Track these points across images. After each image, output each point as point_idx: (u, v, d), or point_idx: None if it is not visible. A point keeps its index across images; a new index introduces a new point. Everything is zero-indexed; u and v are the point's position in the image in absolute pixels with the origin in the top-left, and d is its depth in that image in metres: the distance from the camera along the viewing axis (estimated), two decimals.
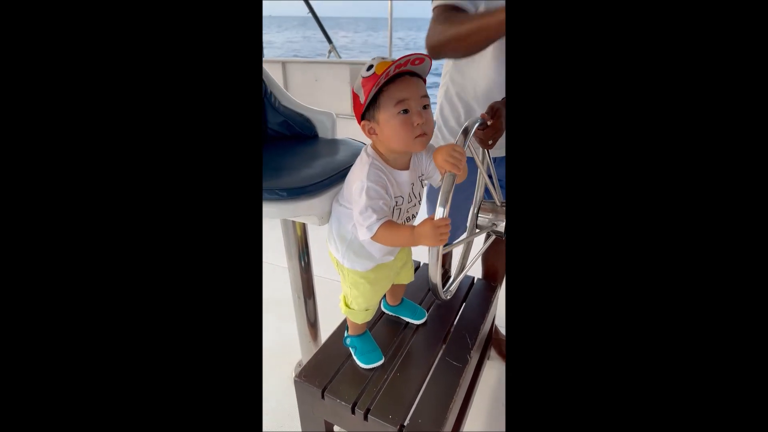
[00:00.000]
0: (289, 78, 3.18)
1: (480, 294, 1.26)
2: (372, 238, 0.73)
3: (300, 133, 1.17)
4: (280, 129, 1.16)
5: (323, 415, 0.95)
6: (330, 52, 3.30)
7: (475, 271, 1.32)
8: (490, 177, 1.14)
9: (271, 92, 1.14)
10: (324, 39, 3.44)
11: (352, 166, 0.81)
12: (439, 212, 0.65)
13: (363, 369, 0.96)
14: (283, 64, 3.12)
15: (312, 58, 3.26)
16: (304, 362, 1.26)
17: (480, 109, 1.02)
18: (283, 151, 1.06)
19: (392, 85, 0.68)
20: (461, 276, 0.92)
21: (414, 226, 0.70)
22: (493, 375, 1.37)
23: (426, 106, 0.71)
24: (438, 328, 1.10)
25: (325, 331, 1.13)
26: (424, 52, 0.78)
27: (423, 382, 0.93)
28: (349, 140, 1.14)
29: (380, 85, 0.67)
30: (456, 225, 1.32)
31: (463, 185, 1.02)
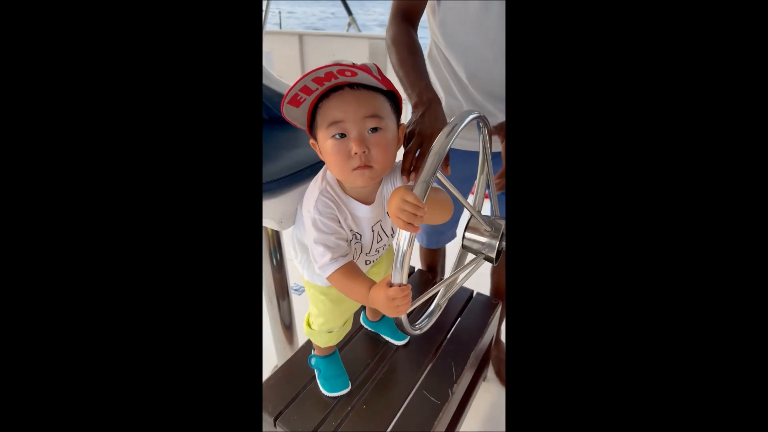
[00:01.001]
0: (305, 52, 3.01)
1: (478, 311, 1.10)
2: (327, 278, 0.61)
3: (279, 116, 1.02)
4: None
5: None
6: (349, 25, 3.09)
7: (478, 284, 1.15)
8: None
9: None
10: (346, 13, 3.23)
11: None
12: (396, 277, 0.49)
13: (326, 396, 0.83)
14: (300, 36, 2.95)
15: (330, 31, 3.05)
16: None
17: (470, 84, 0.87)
18: None
19: (326, 101, 0.54)
20: (438, 303, 0.77)
21: (371, 284, 0.56)
22: (486, 399, 1.22)
23: (376, 129, 0.54)
24: (420, 351, 0.95)
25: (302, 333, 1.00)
26: None
27: (391, 421, 0.79)
28: None
29: (312, 100, 0.54)
30: (441, 230, 1.16)
31: (458, 176, 0.85)
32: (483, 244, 0.63)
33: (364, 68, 0.52)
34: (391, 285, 0.50)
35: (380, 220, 0.66)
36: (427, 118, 0.64)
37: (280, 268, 1.06)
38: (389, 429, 0.78)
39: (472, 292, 1.15)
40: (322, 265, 0.60)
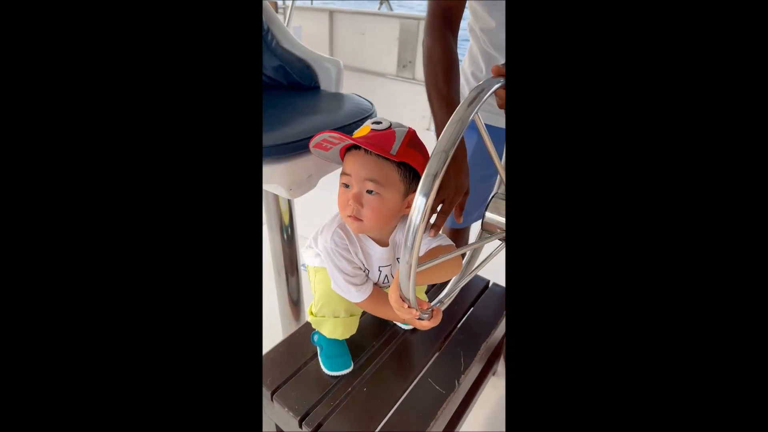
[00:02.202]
0: (335, 29, 2.95)
1: (493, 301, 1.04)
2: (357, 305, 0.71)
3: (299, 83, 0.98)
4: (276, 76, 0.97)
5: (273, 418, 0.82)
6: (381, 3, 3.00)
7: (494, 272, 1.09)
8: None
9: (269, 29, 0.94)
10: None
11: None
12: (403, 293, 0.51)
13: (326, 375, 0.80)
14: (330, 13, 2.89)
15: (362, 8, 2.99)
16: None
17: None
18: (272, 102, 0.87)
19: (348, 153, 0.63)
20: (455, 287, 0.72)
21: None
22: (494, 395, 1.17)
23: (371, 192, 0.61)
24: (429, 338, 0.90)
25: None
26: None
27: (393, 406, 0.76)
28: (354, 96, 0.93)
29: (340, 151, 0.64)
30: (468, 210, 1.10)
31: (479, 161, 0.80)
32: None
33: (386, 137, 0.59)
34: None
35: (390, 265, 0.71)
36: (451, 171, 0.63)
37: (290, 243, 1.04)
38: (388, 415, 0.74)
39: (488, 282, 1.10)
40: (347, 293, 0.68)
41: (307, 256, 0.80)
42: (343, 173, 0.62)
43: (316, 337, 0.83)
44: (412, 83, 2.79)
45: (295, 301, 1.15)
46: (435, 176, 0.43)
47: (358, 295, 0.68)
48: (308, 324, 0.92)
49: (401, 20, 2.67)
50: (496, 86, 0.48)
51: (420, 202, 0.43)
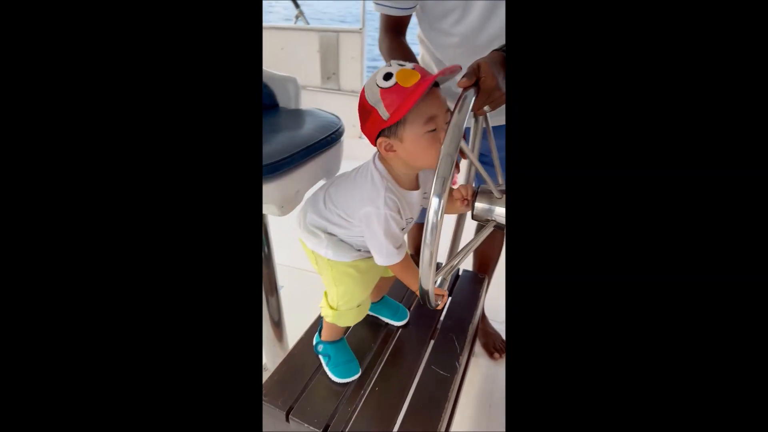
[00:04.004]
0: None
1: (467, 288, 1.13)
2: (390, 267, 0.69)
3: (270, 103, 0.98)
4: None
5: None
6: (297, 17, 3.01)
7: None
8: (485, 156, 0.99)
9: None
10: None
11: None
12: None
13: (336, 383, 0.82)
14: None
15: (278, 23, 2.96)
16: (269, 365, 1.10)
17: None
18: None
19: (421, 101, 0.57)
20: (445, 273, 0.78)
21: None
22: (478, 373, 1.26)
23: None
24: (422, 329, 0.96)
25: (291, 328, 0.96)
26: None
27: (406, 398, 0.79)
28: (317, 111, 0.95)
29: (412, 101, 0.56)
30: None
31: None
32: (494, 211, 0.65)
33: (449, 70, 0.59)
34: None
35: (420, 203, 0.72)
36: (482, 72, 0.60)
37: (268, 263, 1.02)
38: (404, 407, 0.78)
39: (459, 269, 1.18)
40: (388, 253, 0.66)
41: (313, 245, 0.75)
42: (429, 119, 0.58)
43: (321, 347, 0.84)
44: (337, 94, 2.84)
45: (276, 322, 1.13)
46: (445, 178, 0.48)
47: (398, 255, 0.67)
48: (302, 342, 0.92)
49: (320, 33, 2.71)
50: (473, 99, 0.55)
51: (435, 203, 0.48)
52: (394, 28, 0.86)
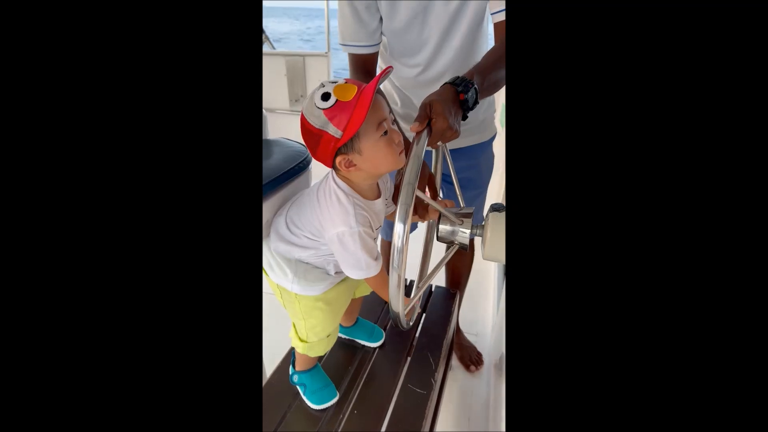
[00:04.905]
0: None
1: (440, 304, 1.16)
2: (366, 280, 0.69)
3: None
4: None
5: None
6: (263, 42, 3.04)
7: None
8: (447, 176, 1.04)
9: None
10: None
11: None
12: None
13: (314, 410, 0.82)
14: None
15: None
16: None
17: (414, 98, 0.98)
18: None
19: (374, 101, 0.58)
20: (418, 294, 0.81)
21: None
22: (456, 387, 1.28)
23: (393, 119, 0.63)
24: (398, 348, 0.98)
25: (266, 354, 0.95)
26: None
27: (384, 418, 0.81)
28: (284, 141, 0.98)
29: (364, 111, 0.56)
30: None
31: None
32: (457, 233, 0.68)
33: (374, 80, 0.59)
34: None
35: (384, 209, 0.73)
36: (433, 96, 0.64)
37: None
38: (383, 427, 0.79)
39: (431, 286, 1.21)
40: (368, 266, 0.66)
41: (277, 278, 0.75)
42: (379, 123, 0.59)
43: (296, 377, 0.85)
44: None
45: None
46: (408, 205, 0.51)
47: (377, 266, 0.67)
48: (278, 371, 0.92)
49: (286, 57, 2.74)
50: (426, 139, 0.59)
51: (399, 228, 0.51)
52: (362, 68, 0.91)
